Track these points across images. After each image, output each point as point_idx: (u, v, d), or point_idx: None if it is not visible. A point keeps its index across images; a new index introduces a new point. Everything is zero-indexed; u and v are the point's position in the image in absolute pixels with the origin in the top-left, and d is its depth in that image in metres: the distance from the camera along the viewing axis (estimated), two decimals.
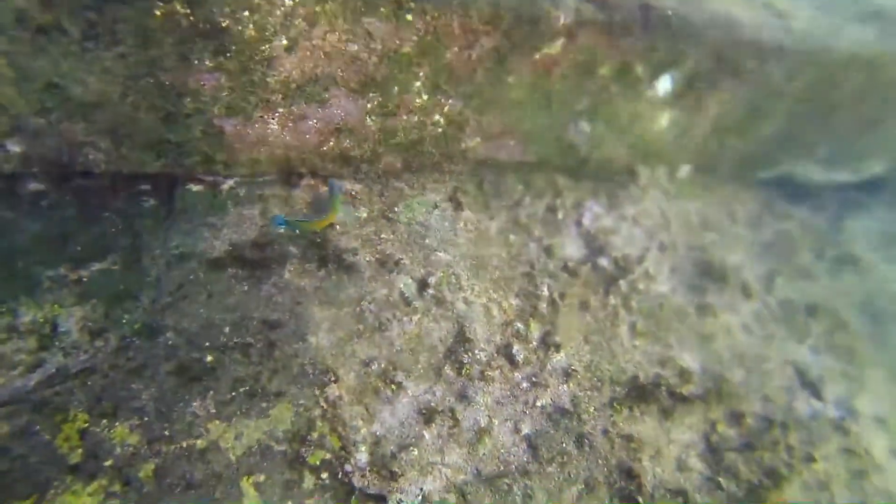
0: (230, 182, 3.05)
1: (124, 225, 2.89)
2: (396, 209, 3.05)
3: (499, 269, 2.95)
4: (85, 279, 2.61)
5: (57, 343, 2.40)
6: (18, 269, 2.57)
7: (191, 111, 2.68)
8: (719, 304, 3.14)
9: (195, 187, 3.00)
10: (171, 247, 2.69)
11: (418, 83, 2.85)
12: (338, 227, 2.93)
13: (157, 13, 2.36)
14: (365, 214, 3.03)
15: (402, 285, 2.78)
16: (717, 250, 3.42)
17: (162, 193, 3.09)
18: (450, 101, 2.98)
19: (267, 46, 2.54)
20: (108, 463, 1.98)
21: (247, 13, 2.43)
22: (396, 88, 2.84)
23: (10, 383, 2.22)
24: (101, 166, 2.82)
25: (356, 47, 2.65)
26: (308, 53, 2.61)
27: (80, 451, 1.99)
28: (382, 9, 2.56)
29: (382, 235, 2.94)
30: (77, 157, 2.77)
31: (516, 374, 2.64)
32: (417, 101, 2.92)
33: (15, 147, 2.62)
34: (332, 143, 2.99)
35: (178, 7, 2.37)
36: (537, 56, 2.97)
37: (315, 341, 2.46)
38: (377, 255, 2.86)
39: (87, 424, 2.04)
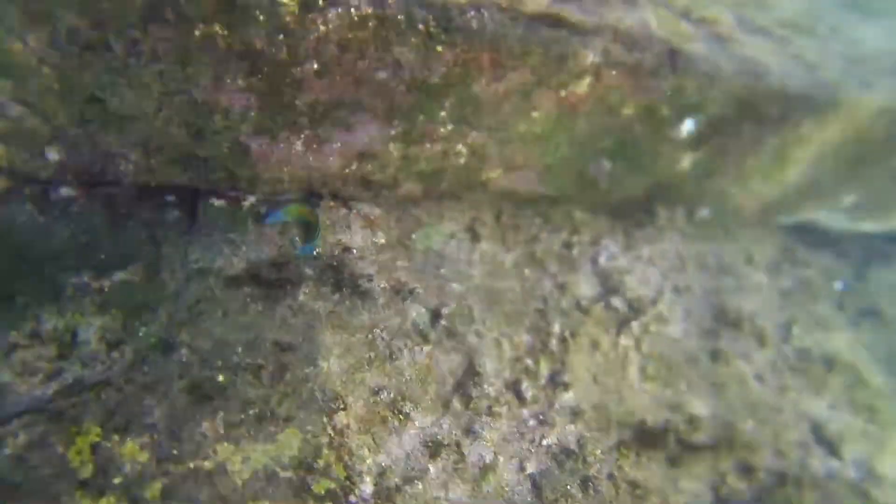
0: (251, 199, 3.09)
1: (147, 235, 2.93)
2: (413, 236, 3.07)
3: (512, 303, 2.95)
4: (106, 289, 2.65)
5: (76, 353, 2.44)
6: (46, 274, 2.62)
7: (219, 128, 2.73)
8: (733, 351, 3.12)
9: (217, 202, 3.04)
10: (190, 260, 2.72)
11: (444, 113, 2.87)
12: (355, 251, 2.95)
13: (197, 33, 2.40)
14: (383, 240, 3.05)
15: (415, 314, 2.79)
16: (733, 295, 3.40)
17: (186, 206, 3.13)
18: (474, 132, 3.01)
19: (298, 69, 2.58)
20: (116, 480, 2.00)
21: (281, 36, 2.47)
22: (422, 117, 2.87)
23: (30, 391, 2.25)
24: (129, 177, 2.88)
25: (385, 75, 2.69)
26: (337, 78, 2.65)
27: (90, 465, 2.01)
28: (413, 39, 2.59)
29: (398, 263, 2.96)
30: (108, 167, 2.83)
31: (524, 410, 2.63)
32: (442, 130, 2.95)
33: (54, 155, 2.68)
34: (354, 167, 3.02)
35: (217, 28, 2.42)
36: (563, 93, 2.99)
37: (326, 366, 2.47)
38: (392, 283, 2.88)
39: (99, 438, 2.07)
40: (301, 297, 2.69)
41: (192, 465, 2.09)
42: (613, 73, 2.94)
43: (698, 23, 3.33)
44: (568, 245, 3.31)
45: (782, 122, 3.43)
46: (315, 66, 2.62)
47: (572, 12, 2.96)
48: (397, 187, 3.21)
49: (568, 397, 2.68)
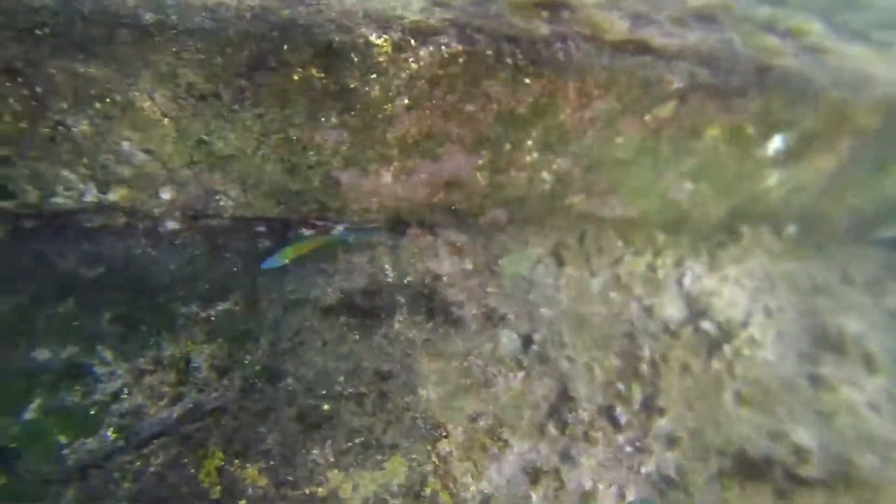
0: (339, 228, 3.20)
1: (243, 265, 3.08)
2: (500, 262, 3.11)
3: (600, 327, 2.95)
4: (212, 318, 2.79)
5: (191, 379, 2.58)
6: (160, 304, 2.79)
7: (312, 163, 2.85)
8: (838, 378, 3.01)
9: (307, 232, 3.17)
10: (287, 291, 2.85)
11: (530, 142, 2.92)
12: (444, 278, 3.01)
13: (296, 77, 2.53)
14: (470, 266, 3.10)
15: (506, 340, 2.83)
16: (831, 316, 3.29)
17: (276, 236, 3.28)
18: (559, 159, 3.03)
19: (389, 105, 2.68)
20: (241, 502, 2.11)
21: (374, 76, 2.57)
22: (508, 146, 2.92)
23: (158, 413, 2.40)
24: (228, 211, 3.04)
25: (473, 108, 2.76)
26: (427, 112, 2.73)
27: (218, 487, 2.13)
28: (502, 73, 2.65)
29: (488, 289, 3.01)
30: (210, 203, 2.99)
31: (619, 436, 2.62)
32: (528, 158, 2.99)
33: (166, 194, 2.87)
34: (441, 196, 3.10)
35: (315, 71, 2.54)
36: (647, 118, 2.98)
37: (425, 394, 2.53)
38: (483, 309, 2.92)
39: (223, 463, 2.19)
40: (396, 326, 2.77)
41: (307, 492, 2.18)
42: (698, 95, 2.92)
43: (785, 35, 3.27)
44: (652, 267, 3.28)
45: (886, 133, 3.31)
46: (406, 101, 2.71)
47: (654, 37, 2.97)
48: (483, 214, 3.27)
49: (663, 423, 2.65)
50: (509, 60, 2.62)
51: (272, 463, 2.23)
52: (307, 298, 2.79)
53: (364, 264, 2.99)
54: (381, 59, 2.54)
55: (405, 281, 2.97)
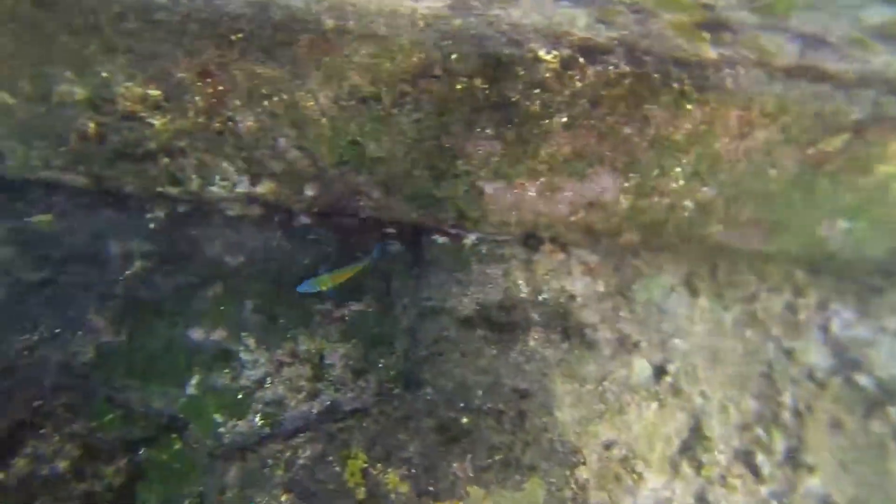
0: (472, 237, 3.19)
1: (375, 265, 3.11)
2: (634, 287, 3.02)
3: (735, 364, 2.82)
4: (346, 317, 2.83)
5: (326, 376, 2.62)
6: (296, 299, 2.85)
7: (460, 172, 2.85)
8: None
9: (440, 239, 3.17)
10: (422, 298, 2.85)
11: (679, 169, 2.82)
12: (578, 298, 2.95)
13: (459, 87, 2.53)
14: (602, 289, 3.03)
15: (639, 368, 2.74)
16: None
17: (406, 239, 3.29)
18: (705, 188, 2.92)
19: (547, 122, 2.64)
20: None
21: (537, 91, 2.54)
22: (657, 171, 2.83)
23: (298, 407, 2.45)
24: (366, 212, 3.08)
25: (630, 130, 2.68)
26: (583, 132, 2.68)
27: (363, 489, 2.15)
28: (665, 97, 2.56)
29: (621, 314, 2.93)
30: (350, 203, 3.04)
31: (762, 488, 2.49)
32: (674, 185, 2.89)
33: (309, 191, 2.93)
34: (581, 215, 3.04)
35: (479, 82, 2.53)
36: (811, 150, 2.82)
37: (561, 416, 2.48)
38: (616, 334, 2.84)
39: (366, 465, 2.21)
40: (531, 343, 2.73)
41: None
42: (879, 129, 2.74)
43: None
44: (792, 308, 3.11)
45: None
46: (564, 119, 2.67)
47: (829, 61, 2.80)
48: (618, 236, 3.18)
49: (814, 483, 2.49)
50: (675, 85, 2.53)
51: (413, 471, 2.24)
52: (443, 308, 2.79)
53: (498, 277, 2.97)
54: (546, 75, 2.51)
55: (540, 298, 2.93)
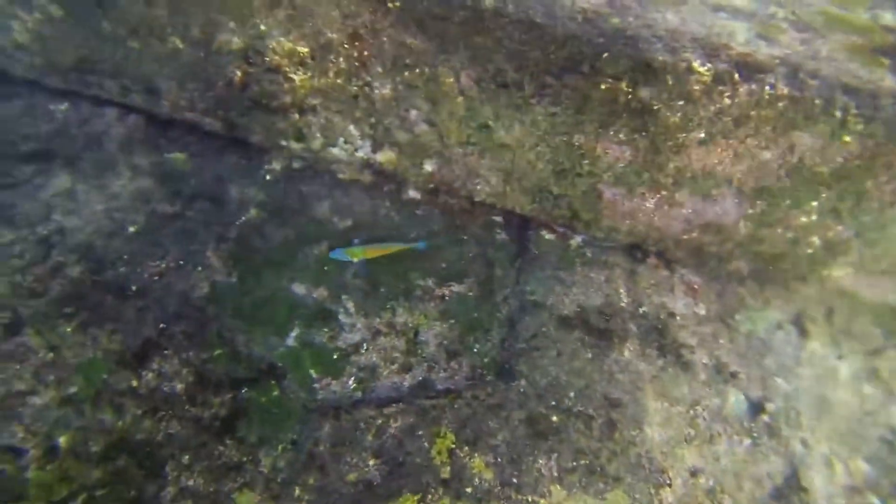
0: (578, 239, 3.14)
1: (479, 252, 3.11)
2: (737, 317, 2.92)
3: (847, 420, 2.68)
4: (446, 297, 2.85)
5: (420, 352, 2.65)
6: (399, 270, 2.89)
7: (584, 172, 2.81)
8: None
9: (548, 235, 3.14)
10: (525, 290, 2.84)
11: (816, 203, 2.68)
12: (678, 318, 2.87)
13: (603, 87, 2.48)
14: (703, 312, 2.94)
15: (734, 400, 2.65)
16: None
17: (511, 230, 3.28)
18: (840, 227, 2.77)
19: (684, 135, 2.56)
20: (468, 489, 2.14)
21: (681, 102, 2.46)
22: (788, 202, 2.71)
23: (390, 377, 2.49)
24: (481, 196, 3.07)
25: (770, 155, 2.57)
26: (719, 150, 2.58)
27: (448, 468, 2.17)
28: (821, 125, 2.44)
29: (720, 340, 2.84)
30: (466, 184, 3.04)
31: None
32: (803, 219, 2.76)
33: (429, 167, 2.95)
34: (694, 235, 2.95)
35: (623, 85, 2.47)
36: None
37: (650, 433, 2.43)
38: (713, 360, 2.76)
39: (454, 445, 2.22)
40: (626, 354, 2.68)
41: (529, 499, 2.17)
42: None
43: None
44: None
45: None
46: (702, 135, 2.58)
47: None
48: (727, 262, 3.07)
49: None
50: (838, 114, 2.40)
51: (499, 460, 2.24)
52: (544, 304, 2.77)
53: (601, 282, 2.93)
54: (694, 87, 2.43)
55: (640, 310, 2.87)
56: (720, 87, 2.43)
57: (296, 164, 3.32)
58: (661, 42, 2.42)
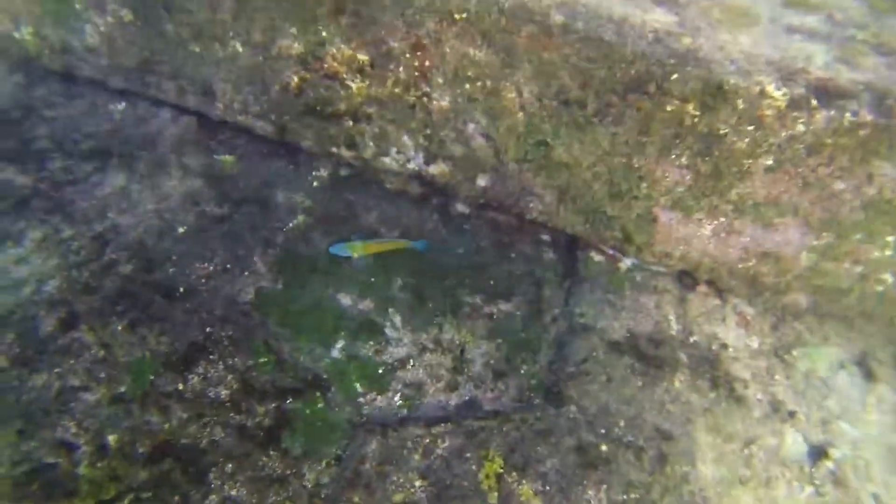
0: (627, 262, 3.05)
1: (527, 270, 3.04)
2: (794, 352, 2.79)
3: None
4: (494, 316, 2.78)
5: (465, 370, 2.58)
6: (447, 286, 2.83)
7: (640, 195, 2.72)
8: None
9: (597, 257, 3.05)
10: (574, 312, 2.75)
11: (891, 238, 2.55)
12: (730, 349, 2.76)
13: (668, 108, 2.40)
14: (756, 345, 2.82)
15: (793, 442, 2.52)
16: None
17: (559, 249, 3.20)
18: None
19: (750, 161, 2.47)
20: None
21: (751, 128, 2.37)
22: (859, 236, 2.59)
23: (435, 396, 2.42)
24: (533, 214, 3.00)
25: (843, 186, 2.46)
26: (786, 178, 2.49)
27: (496, 494, 2.09)
28: None
29: (776, 376, 2.71)
30: (518, 201, 2.98)
31: None
32: (875, 254, 2.63)
33: (482, 182, 2.89)
34: (750, 264, 2.84)
35: (690, 108, 2.39)
36: None
37: (703, 471, 2.32)
38: (768, 397, 2.63)
39: (502, 470, 2.14)
40: (677, 384, 2.58)
41: None
42: None
43: None
44: None
45: None
46: (769, 162, 2.49)
47: None
48: (784, 294, 2.95)
49: None
50: None
51: (548, 488, 2.16)
52: (594, 327, 2.69)
53: (650, 308, 2.83)
54: (766, 112, 2.34)
55: (690, 339, 2.76)
56: (794, 113, 2.34)
57: (343, 172, 3.29)
58: (734, 65, 2.34)
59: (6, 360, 2.04)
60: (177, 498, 1.90)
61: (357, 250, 2.75)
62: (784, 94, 2.30)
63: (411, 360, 2.54)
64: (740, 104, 2.35)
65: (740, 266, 2.88)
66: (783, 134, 2.38)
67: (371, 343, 2.56)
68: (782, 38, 2.51)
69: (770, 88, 2.31)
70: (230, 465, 2.04)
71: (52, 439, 1.91)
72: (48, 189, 2.58)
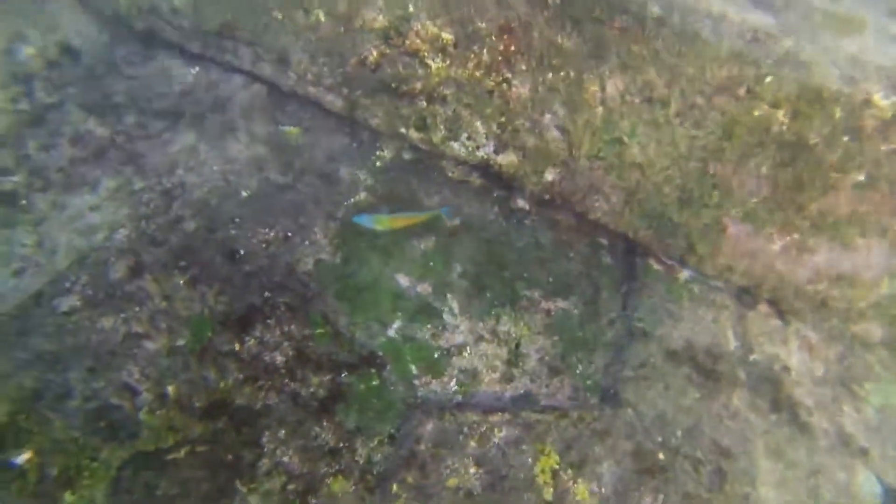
0: (686, 273, 2.96)
1: (585, 271, 2.96)
2: (866, 386, 2.66)
3: None
4: (552, 311, 2.70)
5: (521, 364, 2.50)
6: (506, 277, 2.76)
7: (711, 203, 2.63)
8: None
9: (655, 265, 2.96)
10: (634, 317, 2.67)
11: None
12: (793, 373, 2.65)
13: (756, 113, 2.32)
14: (821, 373, 2.71)
15: (866, 481, 2.39)
16: None
17: (616, 254, 3.12)
18: None
19: (838, 175, 2.37)
20: None
21: (846, 139, 2.28)
22: None
23: (490, 386, 2.35)
24: (596, 214, 2.92)
25: None
26: (877, 196, 2.39)
27: (551, 490, 2.01)
28: None
29: (844, 408, 2.59)
30: (585, 199, 2.90)
31: None
32: None
33: (550, 176, 2.83)
34: (820, 287, 2.72)
35: (780, 115, 2.31)
36: None
37: (764, 494, 2.21)
38: (835, 428, 2.51)
39: (558, 466, 2.06)
40: (735, 401, 2.48)
41: None
42: None
43: None
44: None
45: None
46: (860, 177, 2.38)
47: None
48: (854, 322, 2.82)
49: None
50: None
51: (604, 490, 2.08)
52: (652, 333, 2.60)
53: (708, 321, 2.74)
54: (866, 122, 2.24)
55: (750, 357, 2.66)
56: None
57: (406, 156, 3.25)
58: (839, 70, 2.25)
59: (80, 300, 2.02)
60: (230, 457, 1.86)
61: (383, 224, 2.68)
62: (892, 104, 2.20)
63: (468, 348, 2.47)
64: (838, 112, 2.26)
65: (808, 287, 2.77)
66: (884, 147, 2.28)
67: (429, 327, 2.51)
68: (892, 47, 2.41)
69: (877, 97, 2.21)
70: (283, 432, 2.00)
71: (118, 381, 1.88)
72: (123, 142, 2.58)
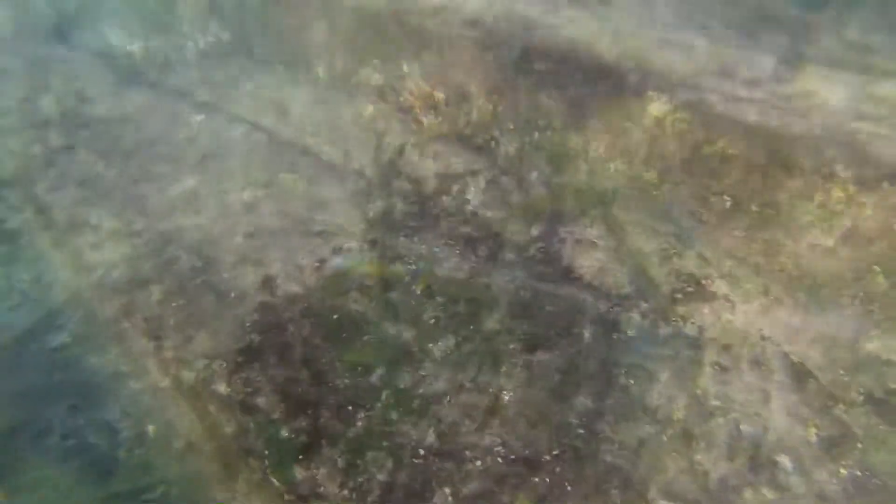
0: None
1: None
2: None
3: None
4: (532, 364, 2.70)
5: (500, 414, 2.50)
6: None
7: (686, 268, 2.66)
8: None
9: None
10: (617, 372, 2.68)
11: None
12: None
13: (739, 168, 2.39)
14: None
15: None
16: None
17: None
18: None
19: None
20: None
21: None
22: None
23: (469, 433, 2.35)
24: (582, 271, 2.96)
25: None
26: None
27: None
28: None
29: None
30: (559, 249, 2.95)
31: None
32: None
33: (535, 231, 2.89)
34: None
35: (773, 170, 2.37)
36: None
37: None
38: None
39: None
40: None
41: None
42: None
43: None
44: None
45: None
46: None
47: None
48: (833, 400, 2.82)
49: None
50: None
51: None
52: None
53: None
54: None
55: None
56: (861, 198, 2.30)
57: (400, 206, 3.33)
58: (800, 142, 2.34)
59: (70, 337, 2.08)
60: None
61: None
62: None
63: (448, 398, 2.48)
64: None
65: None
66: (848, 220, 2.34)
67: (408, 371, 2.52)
68: None
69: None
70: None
71: (99, 420, 1.91)
72: (127, 184, 2.68)
